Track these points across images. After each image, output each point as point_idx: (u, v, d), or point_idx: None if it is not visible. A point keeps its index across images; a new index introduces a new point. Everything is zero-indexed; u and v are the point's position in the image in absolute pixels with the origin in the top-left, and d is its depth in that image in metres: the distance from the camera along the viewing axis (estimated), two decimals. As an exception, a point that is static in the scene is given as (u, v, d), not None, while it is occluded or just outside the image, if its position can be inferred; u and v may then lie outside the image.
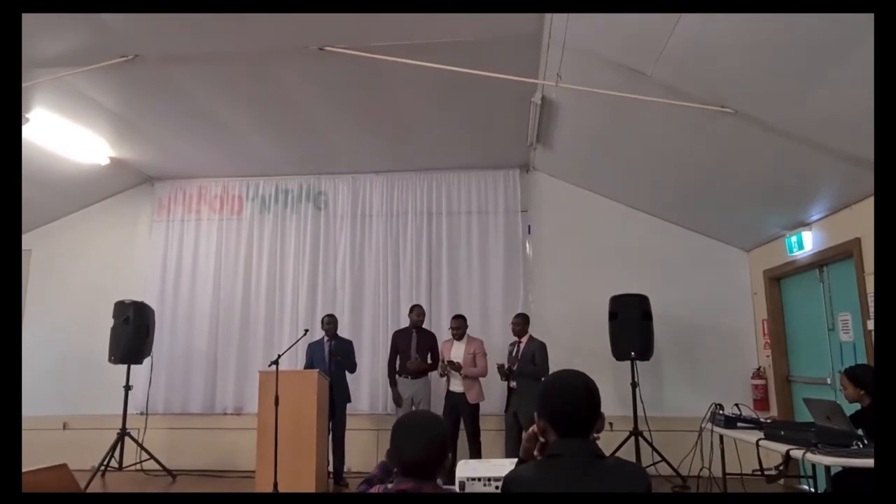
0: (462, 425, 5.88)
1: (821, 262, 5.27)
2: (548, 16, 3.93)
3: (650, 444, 5.86)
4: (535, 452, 1.76)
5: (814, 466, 4.25)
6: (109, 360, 6.26)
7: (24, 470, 2.28)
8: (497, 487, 2.89)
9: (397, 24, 4.02)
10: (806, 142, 4.03)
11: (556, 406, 1.67)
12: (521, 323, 5.92)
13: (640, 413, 5.92)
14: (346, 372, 6.14)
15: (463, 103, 5.34)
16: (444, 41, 4.19)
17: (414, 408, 5.93)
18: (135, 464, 6.26)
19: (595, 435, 1.68)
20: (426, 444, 1.70)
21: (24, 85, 4.56)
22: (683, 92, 4.03)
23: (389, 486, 1.76)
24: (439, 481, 1.75)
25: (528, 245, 7.00)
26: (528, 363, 5.66)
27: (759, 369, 6.35)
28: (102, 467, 6.04)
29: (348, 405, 6.16)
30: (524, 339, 5.85)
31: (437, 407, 6.00)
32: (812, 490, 4.71)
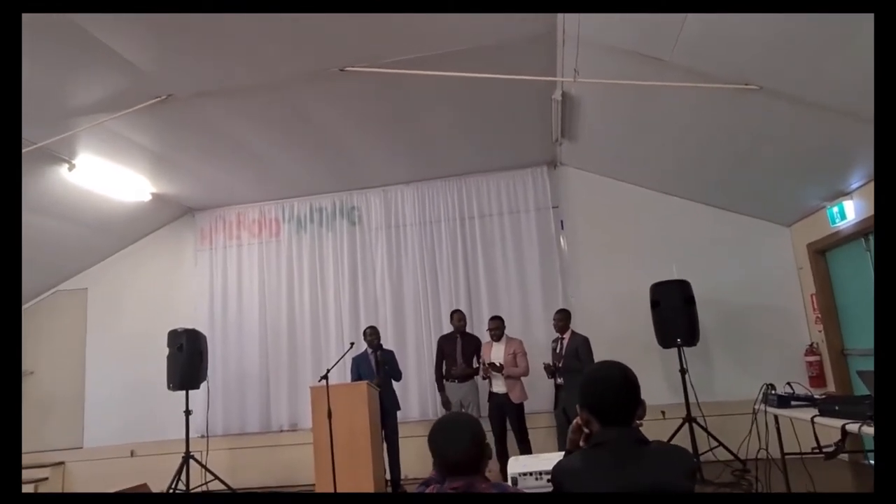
0: (509, 425, 5.90)
1: (865, 230, 5.13)
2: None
3: (705, 430, 5.77)
4: (581, 442, 1.80)
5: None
6: (168, 387, 6.49)
7: (102, 492, 2.40)
8: (549, 481, 2.92)
9: (413, 38, 4.12)
10: (835, 110, 3.95)
11: (595, 396, 1.73)
12: (563, 319, 5.92)
13: (691, 399, 5.82)
14: (392, 381, 6.26)
15: (484, 106, 5.40)
16: (461, 48, 4.26)
17: (463, 411, 6.00)
18: (200, 485, 6.47)
19: (637, 422, 1.72)
20: (464, 441, 1.77)
21: (67, 134, 4.82)
22: (705, 73, 4.01)
23: (444, 485, 1.81)
24: (491, 473, 1.80)
25: (562, 240, 6.99)
26: (572, 359, 5.65)
27: (812, 345, 6.20)
28: (171, 490, 6.26)
29: (399, 413, 6.27)
30: (567, 336, 5.85)
31: (486, 409, 6.05)
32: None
